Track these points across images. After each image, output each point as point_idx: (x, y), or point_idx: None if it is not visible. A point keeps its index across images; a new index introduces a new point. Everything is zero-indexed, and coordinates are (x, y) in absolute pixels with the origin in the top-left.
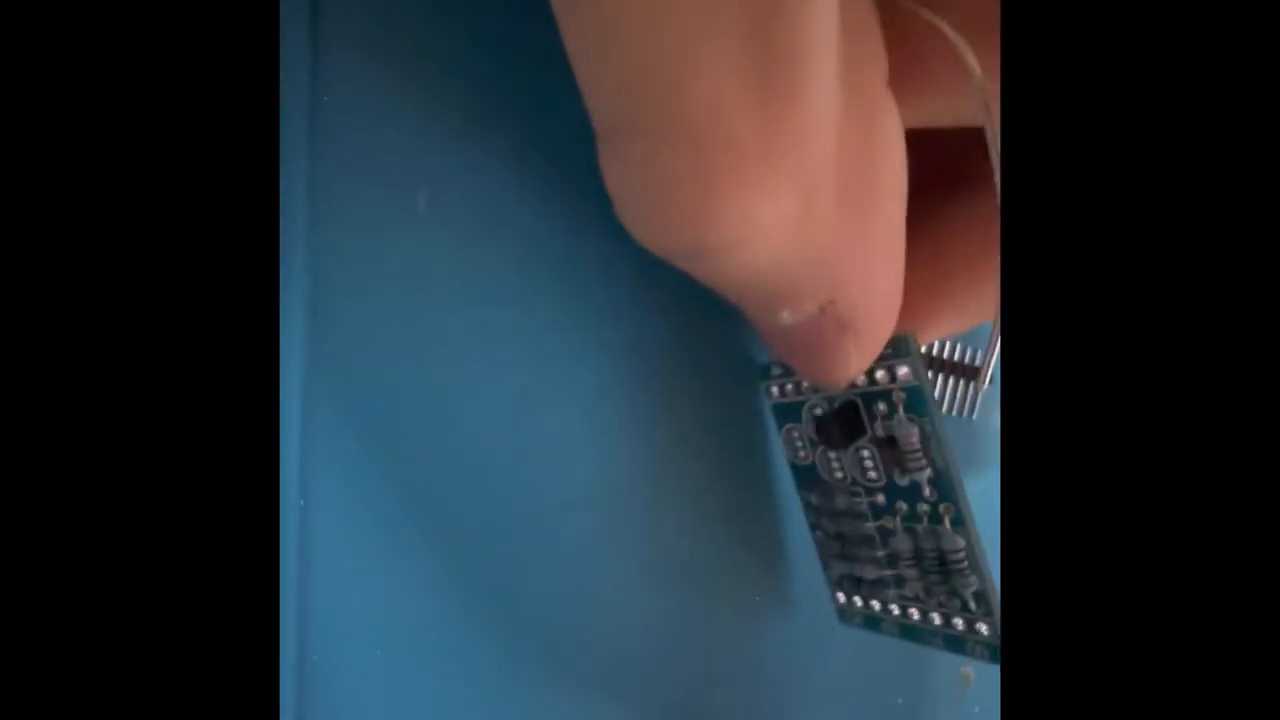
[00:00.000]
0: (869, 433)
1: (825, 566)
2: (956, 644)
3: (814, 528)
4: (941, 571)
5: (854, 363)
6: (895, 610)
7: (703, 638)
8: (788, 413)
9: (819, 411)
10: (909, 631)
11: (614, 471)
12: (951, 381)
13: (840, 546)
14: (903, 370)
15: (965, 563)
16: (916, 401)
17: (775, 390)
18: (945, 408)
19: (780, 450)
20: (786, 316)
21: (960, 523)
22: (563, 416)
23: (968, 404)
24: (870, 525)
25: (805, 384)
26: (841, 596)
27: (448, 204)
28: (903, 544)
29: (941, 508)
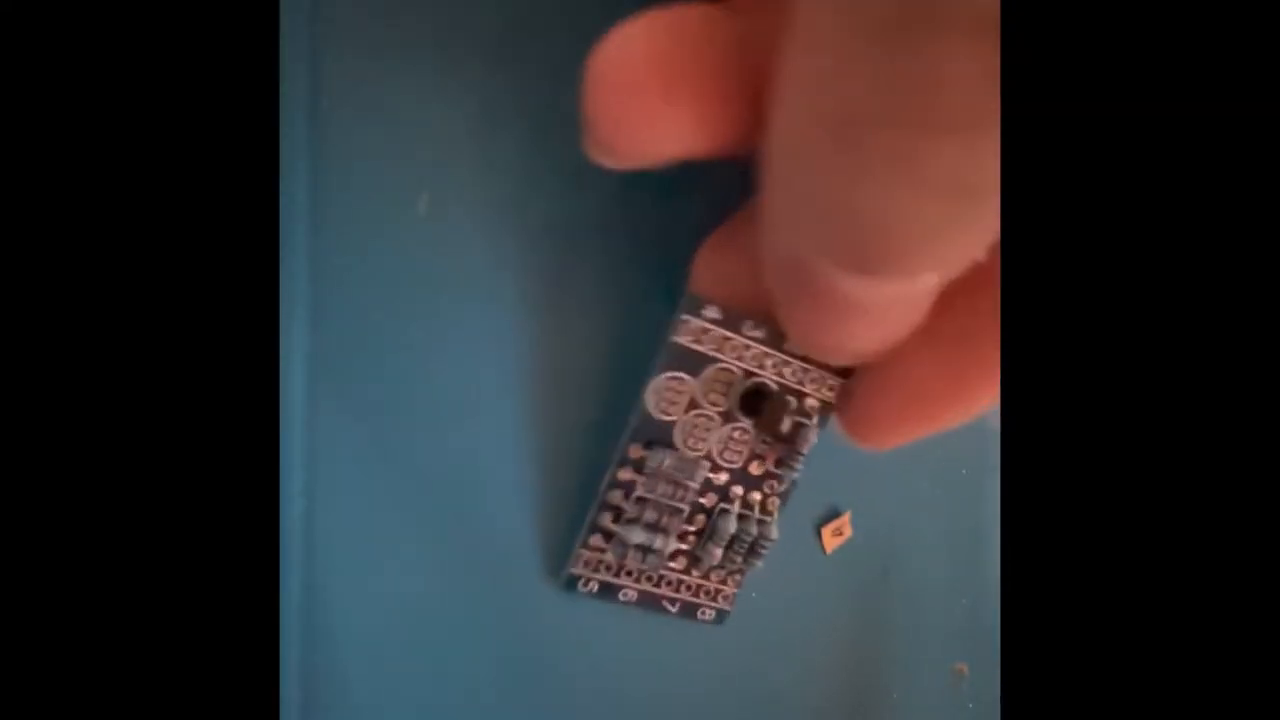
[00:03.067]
0: (764, 418)
1: (597, 529)
2: (691, 611)
3: (616, 485)
4: (748, 554)
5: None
6: (648, 581)
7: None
8: (686, 362)
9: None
10: (647, 600)
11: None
12: None
13: (643, 513)
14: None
15: (765, 551)
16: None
17: (688, 335)
18: None
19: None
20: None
21: (775, 517)
22: (564, 416)
23: None
24: (697, 499)
25: (734, 337)
26: (594, 559)
27: (449, 207)
28: (728, 525)
29: (774, 503)
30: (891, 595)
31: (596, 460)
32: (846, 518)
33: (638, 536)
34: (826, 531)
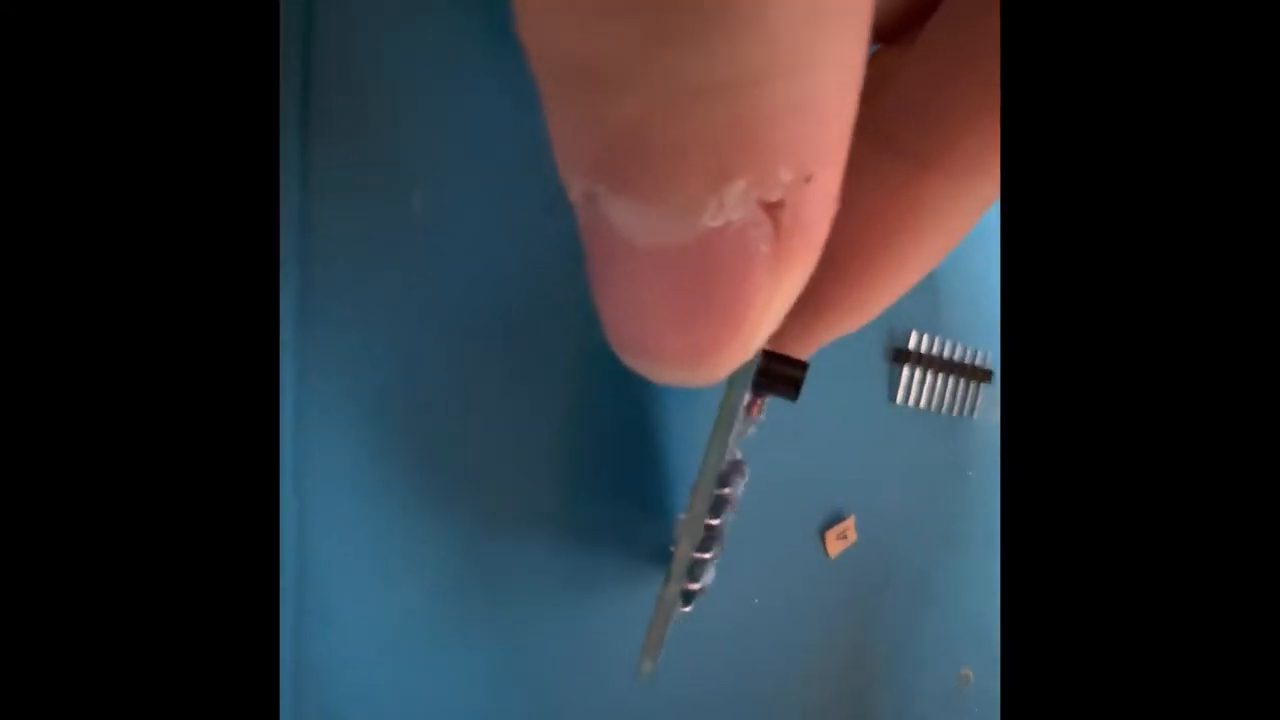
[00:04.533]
0: (770, 382)
1: (682, 597)
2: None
3: (713, 539)
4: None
5: (774, 310)
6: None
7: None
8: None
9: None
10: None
11: (604, 469)
12: (951, 381)
13: (716, 546)
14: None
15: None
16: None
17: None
18: (946, 408)
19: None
20: (712, 213)
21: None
22: (555, 419)
23: (967, 404)
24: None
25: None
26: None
27: (442, 205)
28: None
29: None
30: (895, 599)
31: (586, 447)
32: (850, 522)
33: (711, 575)
34: (830, 536)
